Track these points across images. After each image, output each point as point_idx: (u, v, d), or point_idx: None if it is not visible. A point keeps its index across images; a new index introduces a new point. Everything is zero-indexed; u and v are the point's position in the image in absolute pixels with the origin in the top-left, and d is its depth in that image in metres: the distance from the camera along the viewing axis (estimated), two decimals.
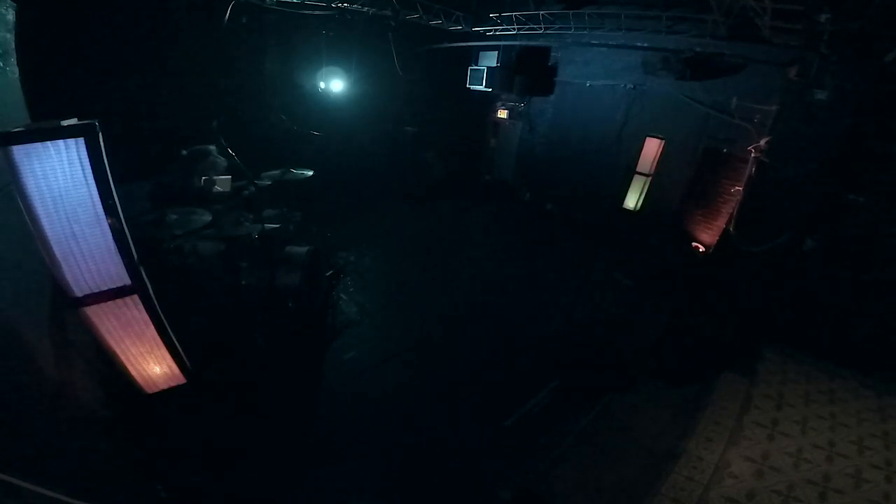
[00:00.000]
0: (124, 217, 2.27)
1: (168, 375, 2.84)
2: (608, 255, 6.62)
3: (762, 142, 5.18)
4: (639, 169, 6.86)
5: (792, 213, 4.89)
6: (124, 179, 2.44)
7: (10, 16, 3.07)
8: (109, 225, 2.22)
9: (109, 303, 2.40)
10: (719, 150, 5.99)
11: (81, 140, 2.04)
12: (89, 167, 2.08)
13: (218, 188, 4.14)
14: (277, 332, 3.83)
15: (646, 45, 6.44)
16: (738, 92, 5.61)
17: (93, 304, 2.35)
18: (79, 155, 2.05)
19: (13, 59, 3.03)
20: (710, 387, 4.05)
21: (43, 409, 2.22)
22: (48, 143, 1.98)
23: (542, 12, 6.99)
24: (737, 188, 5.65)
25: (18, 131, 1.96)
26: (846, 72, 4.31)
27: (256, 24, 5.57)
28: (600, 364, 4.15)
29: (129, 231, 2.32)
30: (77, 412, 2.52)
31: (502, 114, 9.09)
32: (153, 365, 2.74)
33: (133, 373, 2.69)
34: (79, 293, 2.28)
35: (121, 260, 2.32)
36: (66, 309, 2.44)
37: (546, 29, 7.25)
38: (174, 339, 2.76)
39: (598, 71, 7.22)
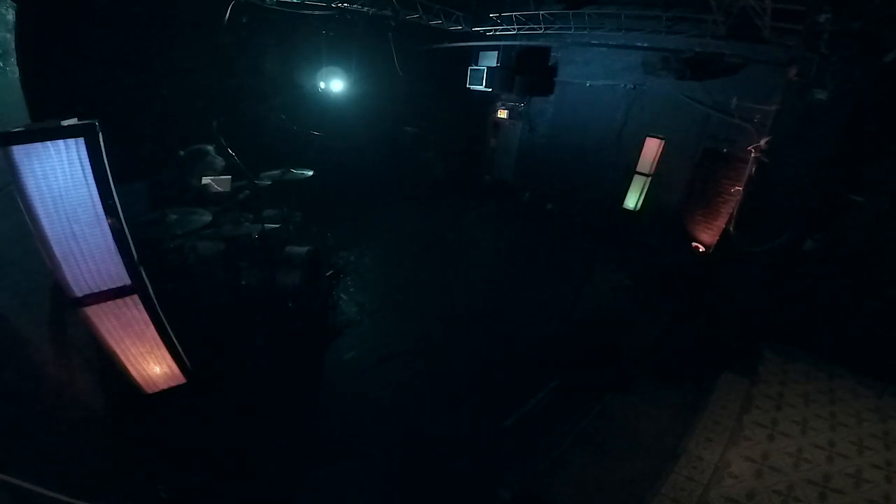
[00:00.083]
0: (124, 217, 2.27)
1: (168, 375, 2.84)
2: (608, 255, 6.63)
3: (762, 142, 5.18)
4: (639, 169, 6.87)
5: (792, 213, 4.89)
6: (124, 179, 2.44)
7: (10, 16, 3.07)
8: (109, 225, 2.22)
9: (109, 303, 2.40)
10: (719, 150, 5.99)
11: (81, 140, 2.04)
12: (89, 167, 2.08)
13: (217, 188, 4.15)
14: (277, 332, 3.84)
15: (646, 45, 6.44)
16: (738, 92, 5.61)
17: (93, 304, 2.35)
18: (79, 155, 2.05)
19: (13, 59, 3.02)
20: (710, 387, 4.06)
21: (43, 409, 2.22)
22: (48, 143, 1.97)
23: (542, 12, 6.99)
24: (737, 188, 5.65)
25: (18, 131, 1.96)
26: (846, 72, 4.31)
27: (256, 24, 5.56)
28: (600, 364, 4.15)
29: (129, 231, 2.32)
30: (77, 412, 2.52)
31: (502, 114, 9.09)
32: (153, 365, 2.74)
33: (133, 373, 2.69)
34: (79, 293, 2.28)
35: (121, 260, 2.32)
36: (66, 309, 2.45)
37: (546, 29, 7.25)
38: (174, 339, 2.76)
39: (598, 71, 7.22)
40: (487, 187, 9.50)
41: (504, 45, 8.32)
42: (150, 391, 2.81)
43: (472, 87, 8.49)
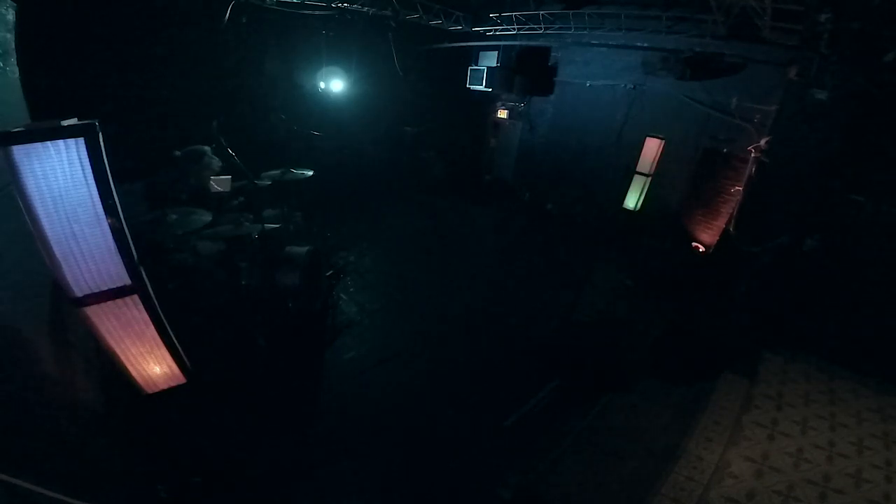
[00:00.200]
0: (124, 217, 2.27)
1: (168, 375, 2.84)
2: (608, 255, 6.63)
3: (762, 142, 5.19)
4: (639, 169, 6.87)
5: (792, 213, 4.90)
6: (125, 179, 2.44)
7: (10, 16, 3.07)
8: (109, 225, 2.22)
9: (109, 303, 2.40)
10: (719, 150, 6.00)
11: (81, 140, 2.04)
12: (89, 167, 2.08)
13: (217, 188, 4.14)
14: (277, 332, 3.83)
15: (646, 45, 6.44)
16: (738, 92, 5.61)
17: (93, 304, 2.34)
18: (79, 155, 2.05)
19: (13, 59, 3.02)
20: (710, 387, 4.06)
21: (43, 408, 2.22)
22: (48, 143, 1.97)
23: (542, 12, 6.99)
24: (737, 188, 5.65)
25: (18, 131, 1.96)
26: (846, 72, 4.31)
27: (256, 24, 5.56)
28: (600, 364, 4.15)
29: (129, 231, 2.32)
30: (77, 412, 2.52)
31: (502, 114, 9.09)
32: (153, 365, 2.74)
33: (133, 373, 2.69)
34: (79, 293, 2.28)
35: (121, 260, 2.32)
36: (66, 309, 2.45)
37: (546, 29, 7.25)
38: (174, 339, 2.75)
39: (598, 71, 7.22)
40: (487, 187, 9.50)
41: (504, 45, 8.33)
42: (150, 391, 2.81)
43: (472, 87, 8.49)
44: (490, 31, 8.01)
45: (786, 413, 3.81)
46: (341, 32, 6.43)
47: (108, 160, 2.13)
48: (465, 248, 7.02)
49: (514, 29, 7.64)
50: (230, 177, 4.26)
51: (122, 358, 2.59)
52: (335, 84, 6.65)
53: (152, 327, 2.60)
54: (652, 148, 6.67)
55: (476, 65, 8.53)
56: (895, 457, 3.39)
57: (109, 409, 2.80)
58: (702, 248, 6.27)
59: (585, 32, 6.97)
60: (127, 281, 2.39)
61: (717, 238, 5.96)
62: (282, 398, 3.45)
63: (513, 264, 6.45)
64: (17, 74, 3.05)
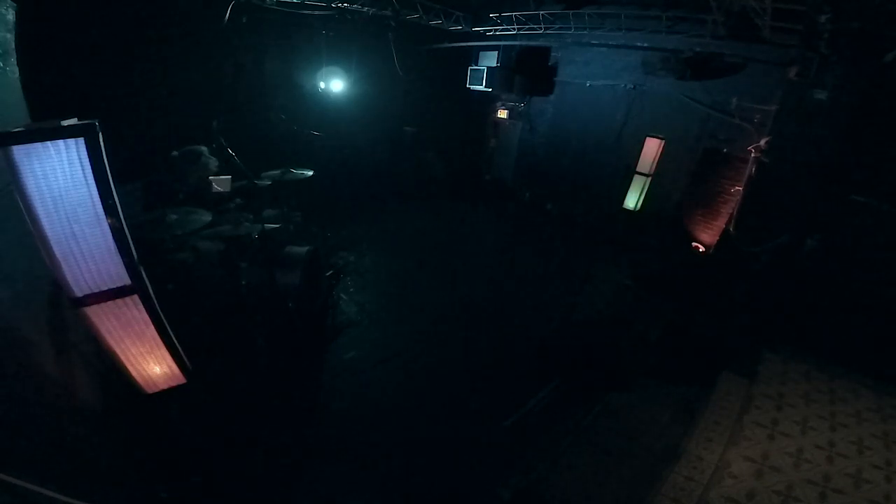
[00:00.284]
0: (124, 217, 2.27)
1: (168, 375, 2.84)
2: (608, 255, 6.63)
3: (762, 142, 5.19)
4: (639, 169, 6.88)
5: (792, 213, 4.90)
6: (126, 179, 2.44)
7: (10, 16, 3.07)
8: (109, 225, 2.22)
9: (109, 303, 2.40)
10: (719, 150, 6.00)
11: (81, 140, 2.04)
12: (89, 167, 2.08)
13: (217, 188, 4.14)
14: (277, 332, 3.83)
15: (646, 45, 6.45)
16: (738, 92, 5.61)
17: (93, 304, 2.34)
18: (79, 155, 2.05)
19: (13, 59, 3.02)
20: (710, 387, 4.06)
21: (43, 409, 2.22)
22: (48, 143, 1.97)
23: (542, 12, 7.00)
24: (737, 188, 5.65)
25: (18, 131, 1.96)
26: (846, 72, 4.31)
27: (256, 24, 5.57)
28: (600, 364, 4.15)
29: (129, 231, 2.32)
30: (77, 412, 2.52)
31: (502, 114, 9.09)
32: (153, 365, 2.74)
33: (133, 373, 2.69)
34: (79, 293, 2.28)
35: (121, 260, 2.32)
36: (66, 309, 2.44)
37: (546, 29, 7.25)
38: (174, 339, 2.75)
39: (598, 71, 7.22)
40: (487, 187, 9.50)
41: (504, 45, 8.33)
42: (150, 391, 2.81)
43: (472, 87, 8.49)
44: (490, 31, 8.01)
45: (786, 413, 3.81)
46: (341, 32, 6.43)
47: (107, 160, 2.13)
48: (464, 247, 7.02)
49: (514, 29, 7.64)
50: (230, 177, 4.26)
51: (122, 358, 2.59)
52: (335, 84, 6.65)
53: (152, 327, 2.60)
54: (652, 148, 6.68)
55: (476, 65, 8.53)
56: (895, 457, 3.39)
57: (109, 409, 2.80)
58: (702, 248, 6.27)
59: (585, 32, 6.97)
60: (127, 281, 2.39)
61: (717, 238, 5.96)
62: (282, 398, 3.45)
63: (513, 264, 6.45)
64: (17, 74, 3.05)
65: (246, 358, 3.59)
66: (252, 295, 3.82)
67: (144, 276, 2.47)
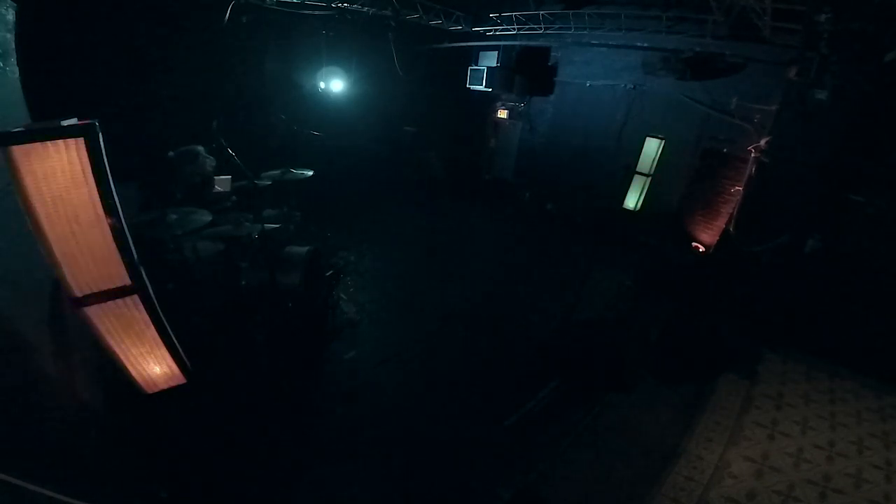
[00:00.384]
0: (124, 217, 2.27)
1: (168, 375, 2.84)
2: (608, 254, 6.63)
3: (762, 142, 5.18)
4: (639, 169, 6.89)
5: (792, 213, 4.89)
6: (125, 179, 2.44)
7: (10, 16, 3.07)
8: (109, 225, 2.22)
9: (109, 303, 2.40)
10: (719, 150, 5.99)
11: (81, 140, 2.04)
12: (89, 167, 2.08)
13: (217, 188, 4.15)
14: (277, 332, 3.83)
15: (646, 45, 6.44)
16: (738, 92, 5.61)
17: (93, 304, 2.35)
18: (79, 155, 2.05)
19: (13, 59, 3.03)
20: (710, 387, 4.06)
21: (43, 409, 2.22)
22: (48, 143, 1.98)
23: (542, 12, 6.99)
24: (737, 188, 5.65)
25: (18, 131, 1.96)
26: (846, 72, 4.31)
27: (256, 24, 5.57)
28: (600, 364, 4.15)
29: (129, 231, 2.32)
30: (77, 412, 2.52)
31: (502, 114, 9.09)
32: (153, 365, 2.74)
33: (133, 373, 2.69)
34: (79, 293, 2.28)
35: (121, 260, 2.32)
36: (66, 309, 2.44)
37: (546, 29, 7.25)
38: (174, 339, 2.76)
39: (598, 71, 7.22)
40: (487, 187, 9.49)
41: (504, 45, 8.32)
42: (150, 391, 2.81)
43: (472, 87, 8.48)
44: (490, 31, 8.01)
45: (786, 413, 3.81)
46: (341, 32, 6.43)
47: (107, 160, 2.13)
48: (464, 247, 7.02)
49: (514, 29, 7.64)
50: (230, 177, 4.27)
51: (122, 358, 2.60)
52: (335, 84, 6.65)
53: (152, 327, 2.60)
54: (652, 148, 6.69)
55: (476, 65, 8.53)
56: (895, 457, 3.39)
57: (109, 409, 2.80)
58: (702, 248, 6.27)
59: (585, 32, 6.96)
60: (127, 281, 2.39)
61: (717, 238, 5.96)
62: (281, 398, 3.45)
63: (513, 264, 6.45)
64: (17, 74, 3.05)
65: (246, 358, 3.59)
66: (252, 295, 3.82)
67: (144, 276, 2.47)
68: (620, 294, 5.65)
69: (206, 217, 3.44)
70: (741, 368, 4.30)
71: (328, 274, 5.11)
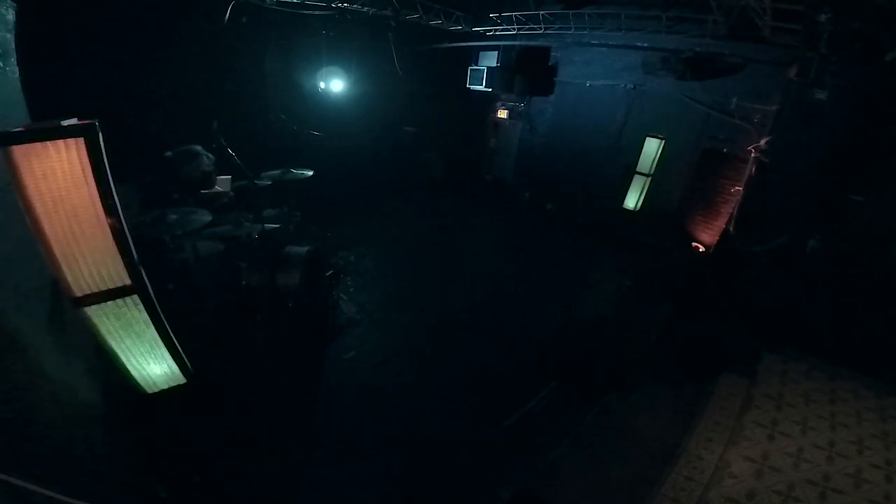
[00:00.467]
0: (124, 217, 2.27)
1: (168, 375, 2.84)
2: (608, 255, 6.63)
3: (762, 142, 5.18)
4: (639, 169, 6.89)
5: (792, 213, 4.89)
6: (126, 179, 2.44)
7: (10, 16, 3.07)
8: (109, 225, 2.22)
9: (109, 303, 2.40)
10: (719, 150, 5.99)
11: (81, 140, 2.04)
12: (89, 167, 2.08)
13: (217, 188, 4.15)
14: (277, 332, 3.84)
15: (646, 45, 6.44)
16: (738, 92, 5.61)
17: (93, 304, 2.35)
18: (79, 155, 2.05)
19: (13, 59, 3.03)
20: (710, 387, 4.06)
21: (43, 409, 2.22)
22: (48, 143, 1.98)
23: (542, 12, 6.99)
24: (737, 188, 5.65)
25: (18, 131, 1.96)
26: (846, 72, 4.31)
27: (256, 24, 5.57)
28: (600, 364, 4.15)
29: (129, 231, 2.32)
30: (77, 412, 2.52)
31: (502, 114, 9.09)
32: (153, 365, 2.74)
33: (133, 373, 2.69)
34: (79, 293, 2.28)
35: (121, 260, 2.32)
36: (66, 309, 2.45)
37: (546, 29, 7.25)
38: (174, 339, 2.76)
39: (598, 71, 7.22)
40: (487, 187, 9.49)
41: (504, 45, 8.32)
42: (150, 391, 2.81)
43: (472, 87, 8.49)
44: (490, 31, 8.01)
45: (786, 413, 3.81)
46: (341, 32, 6.43)
47: (107, 160, 2.13)
48: (464, 248, 7.02)
49: (514, 29, 7.64)
50: (230, 177, 4.27)
51: (122, 358, 2.60)
52: (335, 84, 6.65)
53: (152, 327, 2.61)
54: (652, 148, 6.69)
55: (476, 65, 8.53)
56: (895, 457, 3.39)
57: (109, 409, 2.80)
58: (702, 248, 6.27)
59: (585, 32, 6.96)
60: (127, 281, 2.39)
61: (717, 238, 5.96)
62: (282, 398, 3.45)
63: (513, 264, 6.45)
64: (17, 74, 3.05)
65: (246, 358, 3.59)
66: (252, 295, 3.82)
67: (144, 276, 2.47)
68: (620, 294, 5.65)
69: (206, 217, 3.44)
70: (741, 368, 4.30)
71: (328, 274, 5.11)
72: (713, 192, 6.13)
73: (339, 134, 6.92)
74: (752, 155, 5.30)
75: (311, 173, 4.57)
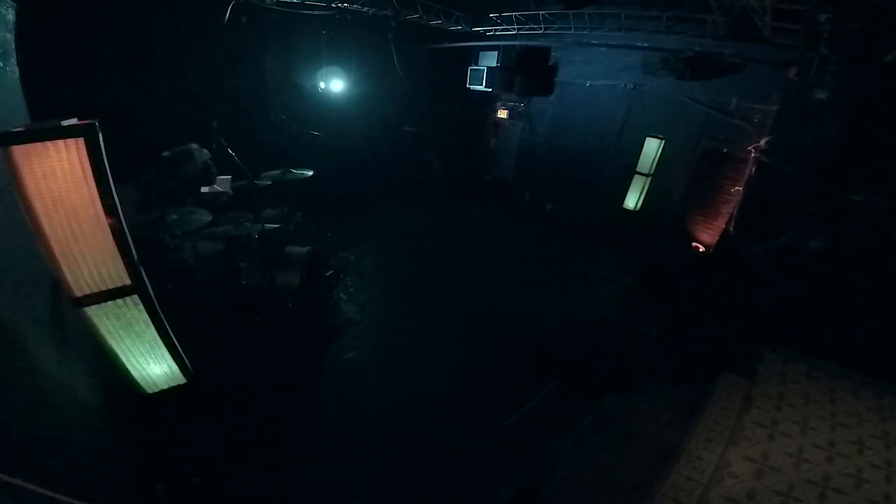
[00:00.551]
0: (124, 217, 2.27)
1: (168, 375, 2.84)
2: (608, 254, 6.63)
3: (762, 142, 5.19)
4: (639, 169, 6.89)
5: (792, 213, 4.89)
6: (125, 179, 2.44)
7: (10, 16, 3.08)
8: (109, 225, 2.22)
9: (109, 303, 2.40)
10: (719, 150, 6.00)
11: (81, 140, 2.04)
12: (89, 167, 2.08)
13: (217, 188, 4.14)
14: (277, 332, 3.83)
15: (646, 45, 6.45)
16: (738, 92, 5.61)
17: (93, 304, 2.35)
18: (79, 155, 2.05)
19: (13, 59, 3.03)
20: (710, 387, 4.05)
21: (43, 409, 2.22)
22: (48, 143, 1.97)
23: (542, 12, 7.00)
24: (737, 188, 5.65)
25: (18, 131, 1.96)
26: (846, 72, 4.31)
27: (256, 24, 5.57)
28: (600, 364, 4.15)
29: (129, 231, 2.32)
30: (77, 412, 2.52)
31: (502, 114, 9.09)
32: (153, 365, 2.74)
33: (133, 373, 2.69)
34: (79, 293, 2.28)
35: (121, 260, 2.32)
36: (66, 309, 2.44)
37: (546, 29, 7.25)
38: (174, 339, 2.76)
39: (598, 71, 7.22)
40: (487, 187, 9.50)
41: (504, 45, 8.33)
42: (150, 391, 2.81)
43: (472, 87, 8.49)
44: (490, 31, 8.01)
45: (786, 413, 3.81)
46: (341, 32, 6.43)
47: (107, 160, 2.13)
48: (464, 248, 7.02)
49: (514, 29, 7.64)
50: (230, 177, 4.26)
51: (122, 358, 2.60)
52: (335, 84, 6.65)
53: (152, 327, 2.60)
54: (652, 148, 6.70)
55: (476, 65, 8.53)
56: (895, 457, 3.39)
57: (109, 409, 2.80)
58: (702, 248, 6.27)
59: (585, 32, 6.97)
60: (127, 281, 2.39)
61: (717, 238, 5.96)
62: (282, 398, 3.45)
63: (512, 264, 6.45)
64: (17, 74, 3.05)
65: (246, 358, 3.59)
66: (252, 295, 3.81)
67: (144, 276, 2.47)
68: (620, 294, 5.66)
69: (206, 217, 3.43)
70: (741, 368, 4.30)
71: (328, 274, 5.11)
72: (713, 192, 6.13)
73: (339, 134, 6.92)
74: (752, 155, 5.31)
75: (311, 173, 4.57)
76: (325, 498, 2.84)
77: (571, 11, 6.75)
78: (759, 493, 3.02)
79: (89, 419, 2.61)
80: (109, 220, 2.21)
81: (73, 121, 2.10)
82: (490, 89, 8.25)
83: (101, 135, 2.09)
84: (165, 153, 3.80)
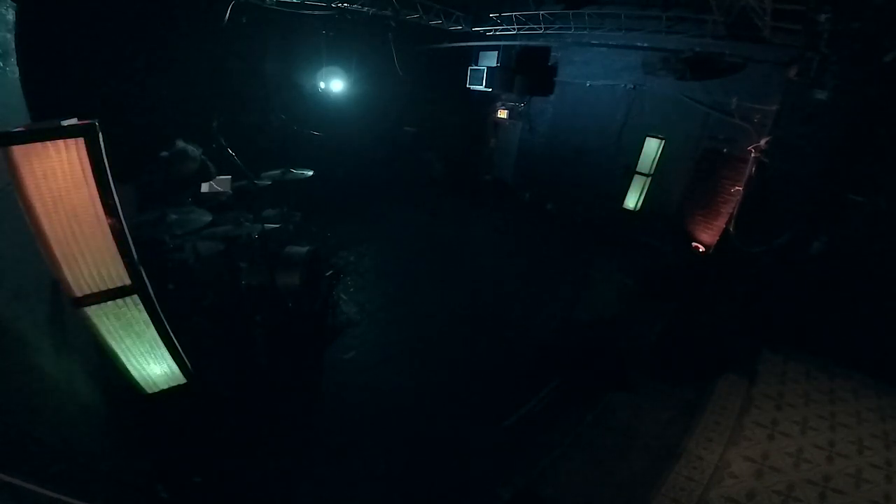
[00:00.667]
0: (124, 217, 2.27)
1: (168, 375, 2.84)
2: (608, 254, 6.63)
3: (762, 142, 5.18)
4: (639, 169, 6.89)
5: (792, 213, 4.89)
6: (125, 179, 2.44)
7: (10, 16, 3.07)
8: (109, 225, 2.22)
9: (109, 303, 2.40)
10: (719, 150, 5.99)
11: (81, 140, 2.04)
12: (89, 167, 2.08)
13: (216, 188, 4.14)
14: (277, 332, 3.83)
15: (646, 45, 6.44)
16: (738, 92, 5.61)
17: (93, 304, 2.35)
18: (79, 155, 2.05)
19: (13, 59, 3.03)
20: (710, 387, 4.05)
21: (43, 409, 2.22)
22: (48, 143, 1.97)
23: (542, 12, 6.99)
24: (737, 188, 5.65)
25: (18, 131, 1.96)
26: (846, 72, 4.31)
27: (256, 24, 5.56)
28: (600, 364, 4.15)
29: (129, 231, 2.31)
30: (77, 412, 2.52)
31: (502, 114, 9.09)
32: (153, 365, 2.74)
33: (133, 373, 2.69)
34: (79, 293, 2.28)
35: (121, 260, 2.32)
36: (66, 309, 2.44)
37: (546, 29, 7.25)
38: (174, 339, 2.75)
39: (598, 71, 7.22)
40: (487, 187, 9.50)
41: (504, 45, 8.32)
42: (150, 391, 2.81)
43: (472, 87, 8.49)
44: (490, 31, 8.01)
45: (786, 413, 3.81)
46: (341, 32, 6.43)
47: (107, 160, 2.12)
48: (464, 248, 7.02)
49: (514, 29, 7.64)
50: (230, 177, 4.26)
51: (122, 358, 2.59)
52: (335, 84, 6.65)
53: (152, 327, 2.60)
54: (652, 148, 6.69)
55: (476, 65, 8.53)
56: (895, 457, 3.39)
57: (109, 409, 2.80)
58: (702, 248, 6.27)
59: (585, 32, 6.96)
60: (127, 281, 2.39)
61: (717, 238, 5.96)
62: (282, 398, 3.45)
63: (512, 264, 6.45)
64: (17, 74, 3.05)
65: (246, 358, 3.59)
66: (252, 295, 3.82)
67: (144, 276, 2.47)
68: (620, 294, 5.65)
69: (206, 217, 3.44)
70: (741, 368, 4.30)
71: (328, 274, 5.11)
72: (713, 192, 6.13)
73: (339, 134, 6.92)
74: (752, 155, 5.31)
75: (311, 173, 4.57)
76: (325, 498, 2.84)
77: (571, 11, 6.74)
78: (759, 493, 3.02)
79: (89, 419, 2.61)
80: (109, 220, 2.21)
81: (73, 121, 2.10)
82: (490, 89, 8.25)
83: (101, 135, 2.09)
84: (163, 153, 3.81)
